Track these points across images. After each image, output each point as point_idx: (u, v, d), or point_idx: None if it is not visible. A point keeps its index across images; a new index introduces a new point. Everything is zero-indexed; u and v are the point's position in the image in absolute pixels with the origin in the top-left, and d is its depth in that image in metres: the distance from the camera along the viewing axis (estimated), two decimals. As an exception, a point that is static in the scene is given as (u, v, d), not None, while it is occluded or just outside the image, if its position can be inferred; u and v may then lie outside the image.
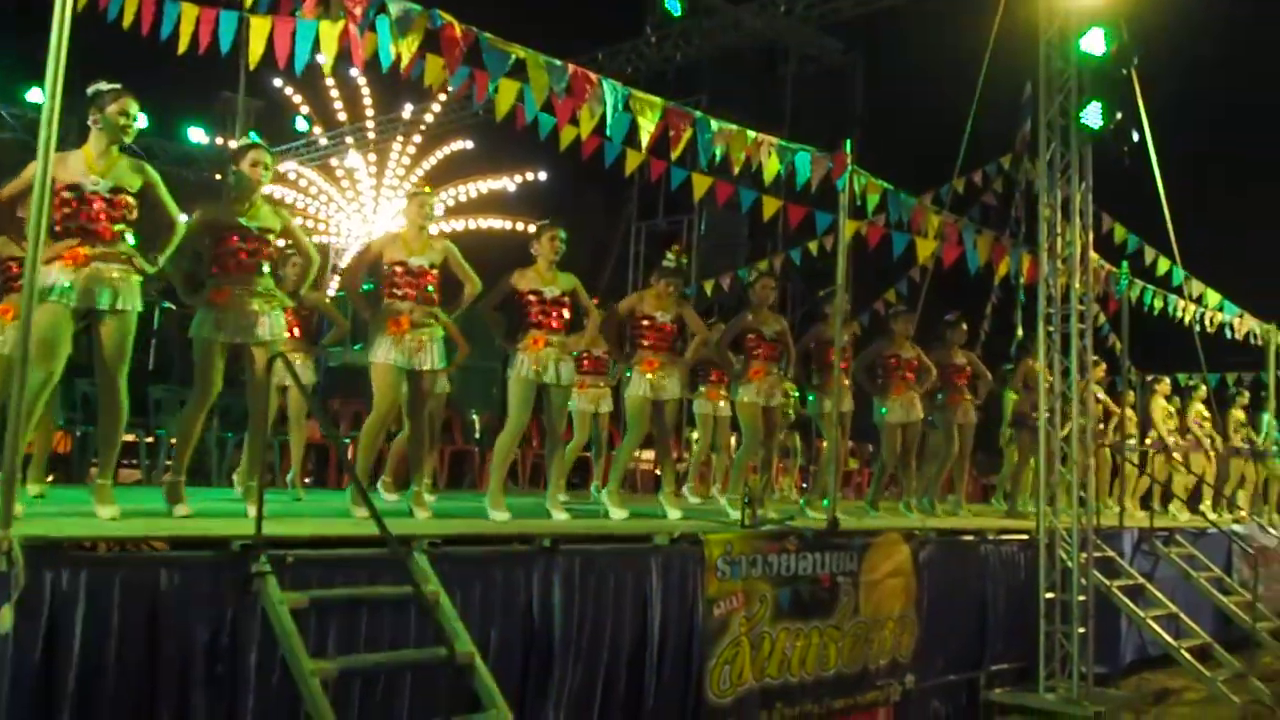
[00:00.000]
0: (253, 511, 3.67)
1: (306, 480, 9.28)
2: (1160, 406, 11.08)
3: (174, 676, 3.49)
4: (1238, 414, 11.95)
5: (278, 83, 17.02)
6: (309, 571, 3.82)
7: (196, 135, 17.32)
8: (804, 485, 11.37)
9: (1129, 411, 11.08)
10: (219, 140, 17.22)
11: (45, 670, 3.28)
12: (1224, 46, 14.99)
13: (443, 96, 16.08)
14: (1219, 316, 10.77)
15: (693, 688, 4.99)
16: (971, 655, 6.93)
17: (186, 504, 4.58)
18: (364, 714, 3.82)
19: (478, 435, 10.23)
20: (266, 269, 4.95)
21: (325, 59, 4.75)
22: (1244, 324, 11.06)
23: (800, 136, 14.56)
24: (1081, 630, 6.81)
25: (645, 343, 6.50)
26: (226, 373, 4.85)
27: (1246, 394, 12.18)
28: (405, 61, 4.55)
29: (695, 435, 9.47)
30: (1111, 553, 7.73)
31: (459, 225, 18.65)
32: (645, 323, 6.52)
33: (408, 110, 17.92)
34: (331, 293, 11.55)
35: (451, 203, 18.82)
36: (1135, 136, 7.54)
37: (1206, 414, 11.61)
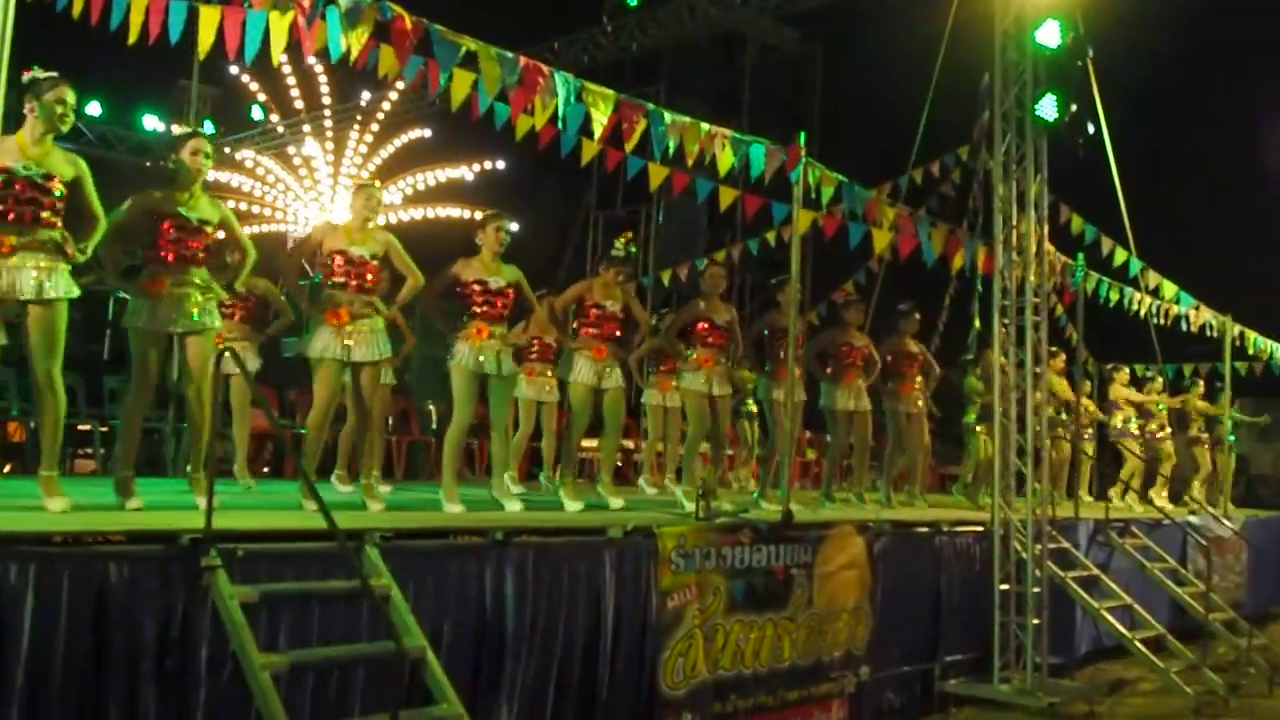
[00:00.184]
0: (201, 503, 3.60)
1: (265, 470, 9.22)
2: (1120, 394, 11.23)
3: (124, 671, 3.45)
4: (1197, 403, 12.15)
5: (235, 70, 16.77)
6: (259, 565, 3.77)
7: (151, 123, 17.02)
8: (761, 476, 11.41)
9: (1086, 402, 11.23)
10: (174, 128, 16.95)
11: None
12: (1180, 40, 15.20)
13: (400, 85, 15.93)
14: (1175, 309, 10.90)
15: (646, 680, 4.98)
16: (926, 646, 6.97)
17: (137, 497, 4.54)
18: (316, 708, 3.77)
19: (434, 426, 10.15)
20: (202, 259, 4.88)
21: (275, 51, 4.65)
22: (1200, 315, 11.21)
23: (759, 126, 14.58)
24: (1036, 621, 6.88)
25: (592, 330, 6.48)
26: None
27: (1202, 384, 12.37)
28: (355, 53, 4.48)
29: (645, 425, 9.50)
30: (1066, 544, 7.80)
31: (417, 214, 18.52)
32: (594, 311, 6.50)
33: (365, 98, 17.73)
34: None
35: (410, 191, 18.68)
36: (1091, 129, 7.61)
37: (1164, 405, 11.81)
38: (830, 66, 17.69)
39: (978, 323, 12.99)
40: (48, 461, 4.27)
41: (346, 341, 5.31)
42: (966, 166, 11.65)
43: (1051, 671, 7.24)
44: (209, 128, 16.91)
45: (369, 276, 5.47)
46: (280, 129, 18.13)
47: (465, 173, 18.47)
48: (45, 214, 4.28)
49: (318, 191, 18.95)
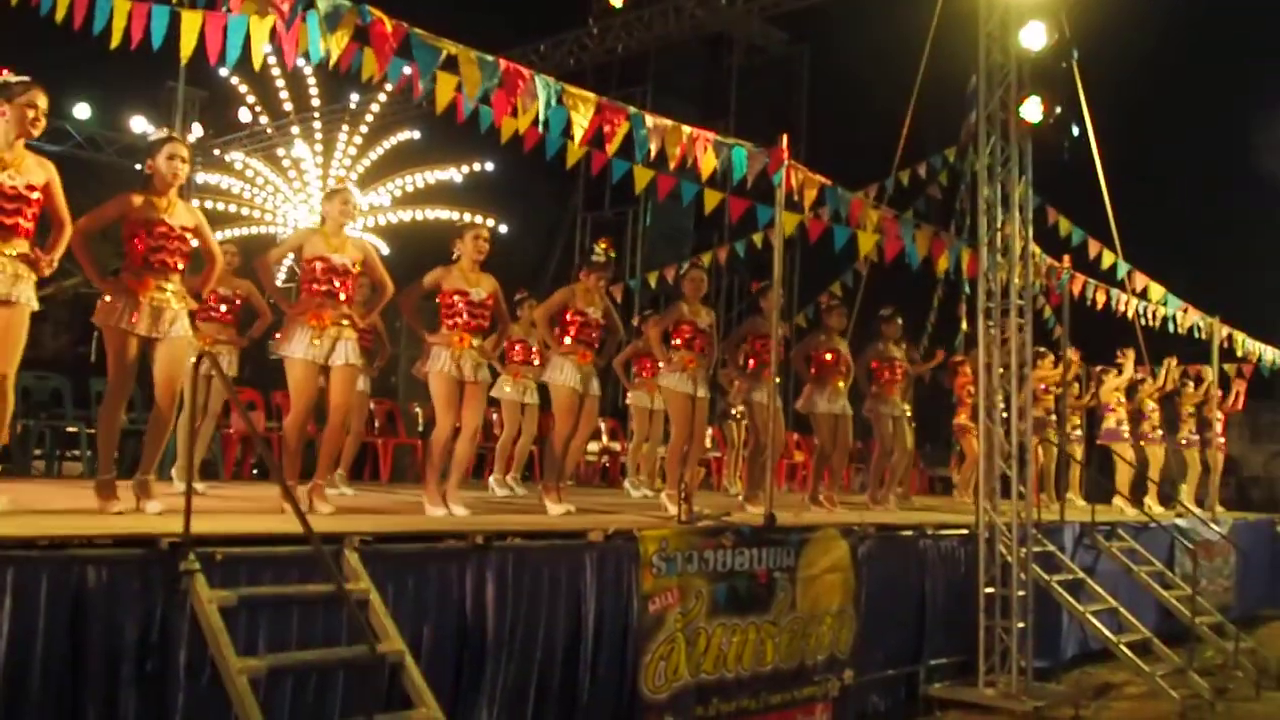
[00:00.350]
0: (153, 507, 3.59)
1: (254, 472, 9.22)
2: (1111, 396, 11.24)
3: (102, 675, 3.44)
4: (1186, 405, 12.17)
5: (224, 73, 16.72)
6: (239, 569, 3.76)
7: (140, 125, 16.97)
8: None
9: (1074, 404, 11.25)
10: (164, 131, 16.91)
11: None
12: (1167, 41, 15.25)
13: (389, 86, 15.91)
14: (1162, 310, 10.93)
15: (628, 684, 4.97)
16: (911, 650, 6.97)
17: (119, 500, 4.53)
18: (295, 712, 3.77)
19: (420, 428, 10.14)
20: (181, 266, 4.90)
21: (256, 55, 4.64)
22: (1188, 317, 11.24)
23: (747, 127, 14.58)
24: (1021, 625, 6.87)
25: (577, 337, 6.49)
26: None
27: (1193, 385, 12.40)
28: (335, 57, 4.47)
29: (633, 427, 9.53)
30: (1052, 547, 7.80)
31: (405, 215, 18.49)
32: (578, 318, 6.51)
33: (354, 100, 17.70)
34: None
35: (398, 193, 18.64)
36: (1076, 131, 7.62)
37: (1154, 406, 11.82)
38: (818, 67, 17.74)
39: (965, 324, 13.06)
40: None
41: (324, 346, 5.30)
42: (954, 168, 11.72)
43: (1038, 675, 7.24)
44: (197, 130, 16.89)
45: (349, 285, 5.47)
46: (269, 131, 18.08)
47: (454, 174, 18.43)
48: (24, 223, 4.27)
49: (307, 194, 18.90)
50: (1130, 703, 7.37)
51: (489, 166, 18.04)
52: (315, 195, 18.86)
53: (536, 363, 8.28)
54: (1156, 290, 10.75)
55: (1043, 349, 10.00)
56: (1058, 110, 7.15)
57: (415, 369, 6.38)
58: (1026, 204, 7.51)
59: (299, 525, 3.70)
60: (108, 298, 4.72)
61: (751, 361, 7.71)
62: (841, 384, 8.18)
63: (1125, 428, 11.31)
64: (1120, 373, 11.22)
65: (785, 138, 6.20)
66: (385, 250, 18.90)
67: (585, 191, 17.27)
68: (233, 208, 18.12)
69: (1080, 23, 7.42)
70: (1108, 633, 7.35)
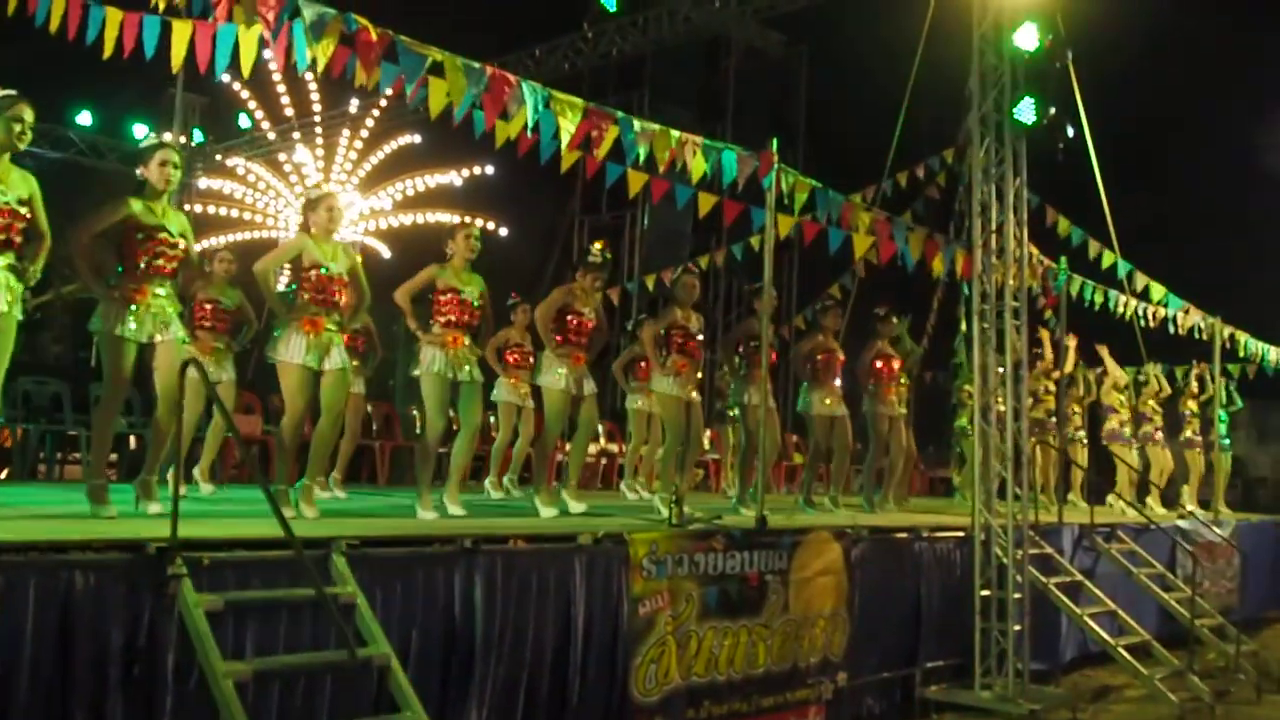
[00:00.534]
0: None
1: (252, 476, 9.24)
2: (1113, 398, 11.21)
3: (89, 679, 3.45)
4: (1190, 405, 12.13)
5: (227, 79, 16.79)
6: (226, 573, 3.78)
7: (141, 132, 17.03)
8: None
9: (1075, 405, 11.24)
10: (167, 136, 16.98)
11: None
12: (1166, 39, 15.21)
13: (389, 91, 15.94)
14: (1162, 311, 10.90)
15: (618, 687, 4.98)
16: (906, 652, 6.95)
17: (111, 505, 4.57)
18: (284, 716, 3.77)
19: (418, 431, 10.14)
20: (175, 272, 4.95)
21: (245, 63, 4.68)
22: (1189, 318, 11.20)
23: (744, 130, 14.55)
24: (1017, 628, 6.85)
25: (573, 339, 6.51)
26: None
27: (1196, 386, 12.37)
28: (322, 65, 4.50)
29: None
30: (1050, 549, 7.79)
31: (406, 219, 18.56)
32: (574, 319, 6.53)
33: (354, 105, 17.76)
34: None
35: (399, 197, 18.72)
36: (1071, 132, 7.61)
37: (1158, 407, 11.79)
38: (816, 69, 17.71)
39: (964, 325, 13.04)
40: None
41: (318, 351, 5.33)
42: (952, 169, 11.71)
43: (1036, 677, 7.22)
44: (198, 136, 16.96)
45: (344, 292, 5.51)
46: (270, 136, 18.14)
47: (454, 178, 18.50)
48: (14, 237, 4.33)
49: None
50: (1129, 706, 7.34)
51: (489, 170, 18.10)
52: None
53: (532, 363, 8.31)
54: (1157, 290, 10.74)
55: (1039, 350, 9.98)
56: (1052, 111, 7.14)
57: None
58: (1021, 205, 7.50)
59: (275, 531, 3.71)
60: (105, 304, 4.75)
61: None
62: (839, 385, 8.21)
63: (1127, 429, 11.28)
64: (1106, 370, 11.19)
65: (775, 141, 6.21)
66: (387, 254, 18.98)
67: (583, 195, 17.28)
68: (235, 212, 18.18)
69: (1074, 23, 7.41)
70: (1105, 635, 7.32)
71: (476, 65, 4.84)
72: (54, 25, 4.90)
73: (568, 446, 7.04)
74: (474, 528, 4.96)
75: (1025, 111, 7.11)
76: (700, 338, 7.08)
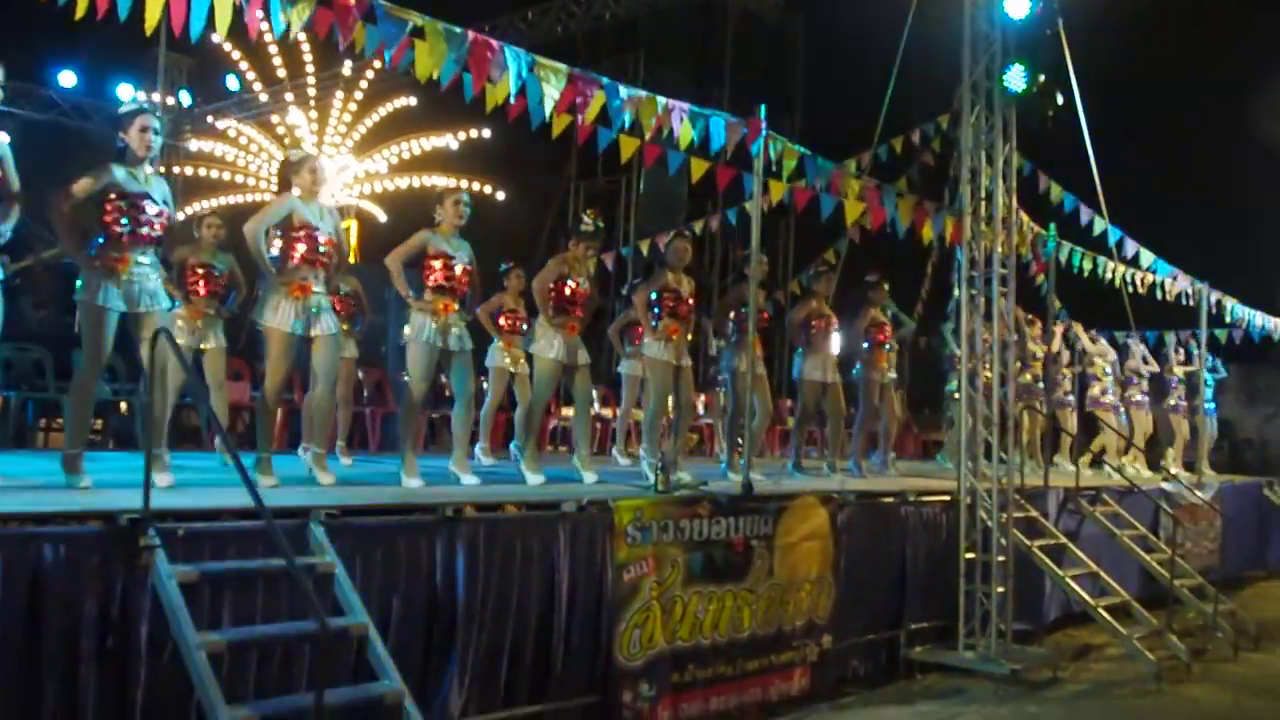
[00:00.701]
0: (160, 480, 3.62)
1: (239, 443, 9.27)
2: (1098, 363, 11.26)
3: (62, 651, 3.47)
4: (1175, 371, 12.20)
5: (215, 39, 16.59)
6: (202, 544, 3.80)
7: (127, 93, 16.83)
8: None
9: (1065, 370, 11.28)
10: (154, 98, 16.79)
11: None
12: (1154, 8, 15.06)
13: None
14: (1150, 277, 10.90)
15: (602, 653, 5.03)
16: (891, 615, 7.04)
17: (86, 475, 4.57)
18: (261, 686, 3.81)
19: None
20: (159, 238, 4.90)
21: (221, 26, 4.60)
22: (1176, 284, 11.21)
23: (741, 95, 14.40)
24: (1000, 589, 6.94)
25: (567, 308, 6.51)
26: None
27: (1183, 352, 12.40)
28: (295, 29, 4.45)
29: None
30: (1035, 512, 7.85)
31: (402, 183, 18.42)
32: (567, 288, 6.52)
33: (348, 67, 17.56)
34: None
35: (395, 160, 18.56)
36: (1060, 99, 7.57)
37: (1143, 372, 11.84)
38: (813, 35, 17.54)
39: (958, 291, 13.02)
40: None
41: (306, 316, 5.32)
42: (946, 135, 11.64)
43: (1020, 637, 7.33)
44: (186, 98, 16.75)
45: (331, 254, 5.48)
46: (263, 97, 17.96)
47: (450, 141, 18.31)
48: None
49: (303, 160, 18.83)
50: (1109, 664, 7.44)
51: (485, 134, 17.93)
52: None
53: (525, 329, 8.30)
54: (1147, 257, 10.72)
55: (1031, 316, 10.00)
56: (1041, 78, 7.10)
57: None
58: (1010, 172, 7.48)
59: (266, 498, 3.73)
60: (87, 273, 4.72)
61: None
62: (833, 350, 8.24)
63: (1110, 395, 11.33)
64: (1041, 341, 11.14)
65: (763, 108, 6.17)
66: (383, 217, 18.88)
67: (579, 160, 17.16)
68: (226, 175, 18.04)
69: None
70: (1087, 596, 7.40)
71: (458, 30, 4.78)
72: (26, -17, 4.82)
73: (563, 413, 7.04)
74: (456, 495, 4.99)
75: (1015, 78, 7.08)
76: (691, 302, 7.08)
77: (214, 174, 17.82)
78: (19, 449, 8.09)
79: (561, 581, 4.88)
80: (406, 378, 6.00)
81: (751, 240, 6.30)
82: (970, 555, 7.00)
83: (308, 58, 17.70)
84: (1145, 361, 11.85)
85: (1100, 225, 10.06)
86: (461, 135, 18.14)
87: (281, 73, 17.71)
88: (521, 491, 5.57)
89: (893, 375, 8.94)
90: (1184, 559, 8.78)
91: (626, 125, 5.61)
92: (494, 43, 4.91)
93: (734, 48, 16.71)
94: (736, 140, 6.07)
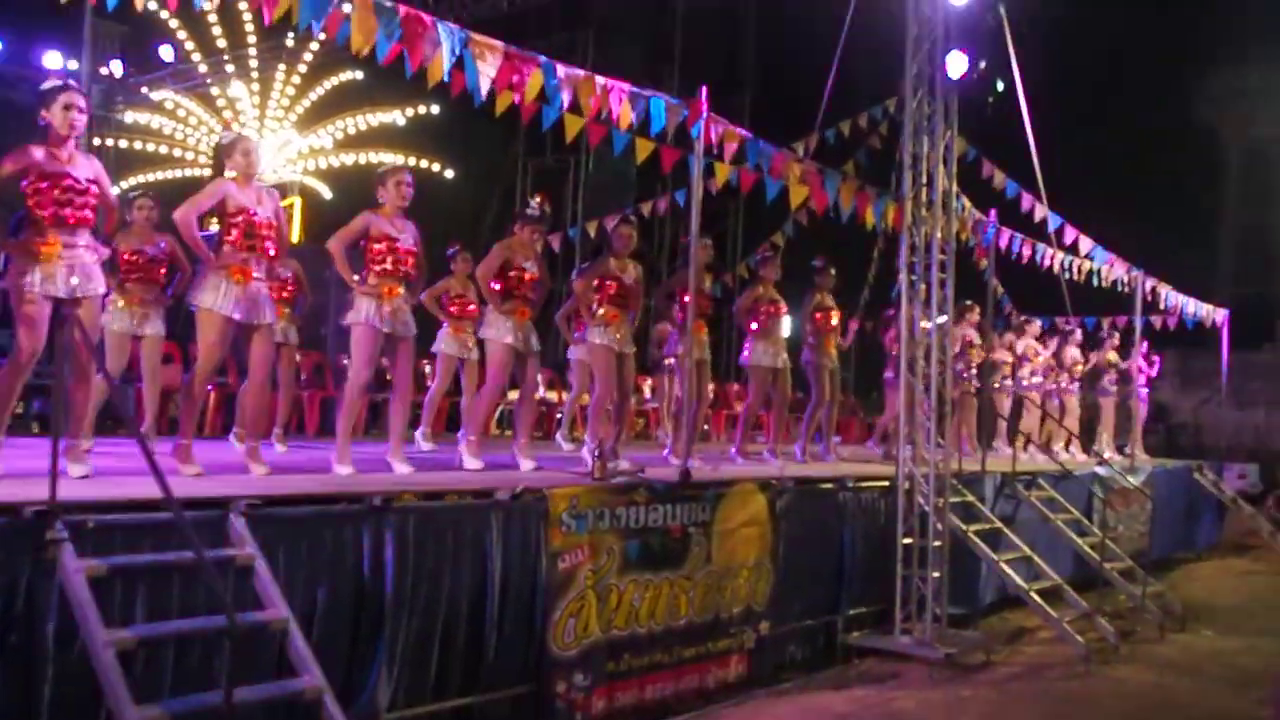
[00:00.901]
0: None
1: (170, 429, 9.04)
2: (1030, 347, 11.41)
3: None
4: (1109, 356, 12.40)
5: (153, 5, 16.10)
6: (113, 537, 3.67)
7: (55, 61, 16.23)
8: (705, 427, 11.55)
9: (1004, 354, 11.40)
10: (57, 79, 16.22)
11: None
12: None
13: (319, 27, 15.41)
14: (1088, 264, 11.04)
15: (536, 641, 4.98)
16: (830, 600, 7.07)
17: None
18: (179, 683, 3.69)
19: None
20: (90, 220, 4.71)
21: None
22: (1112, 271, 11.38)
23: (692, 75, 14.27)
24: (936, 574, 7.00)
25: (515, 293, 6.41)
26: None
27: (1118, 336, 12.60)
28: (216, -2, 4.29)
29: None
30: (971, 497, 7.94)
31: (349, 159, 18.12)
32: (514, 273, 6.42)
33: (291, 38, 17.19)
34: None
35: (340, 135, 18.24)
36: (1001, 86, 7.61)
37: (1080, 357, 12.02)
38: (765, 14, 17.47)
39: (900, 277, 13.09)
40: None
41: (246, 302, 5.18)
42: (894, 119, 11.65)
43: (956, 621, 7.41)
44: (117, 68, 16.21)
45: (272, 239, 5.34)
46: (202, 68, 17.51)
47: (398, 117, 18.06)
48: None
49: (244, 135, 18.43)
50: (1040, 647, 7.56)
51: (434, 110, 17.67)
52: (253, 137, 18.38)
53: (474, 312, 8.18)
54: (1086, 244, 10.86)
55: (970, 302, 10.09)
56: (982, 65, 7.12)
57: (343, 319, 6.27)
58: (951, 158, 7.50)
59: (180, 489, 3.62)
60: (16, 258, 4.53)
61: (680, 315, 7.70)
62: (781, 335, 8.24)
63: (1039, 378, 11.51)
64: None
65: (704, 90, 6.10)
66: (328, 194, 18.56)
67: (527, 138, 16.97)
68: (163, 149, 17.60)
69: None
70: (1020, 580, 7.49)
71: (388, 4, 4.65)
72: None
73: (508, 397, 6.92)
74: (386, 484, 4.89)
75: (956, 65, 7.08)
76: (635, 287, 7.01)
77: (150, 147, 17.34)
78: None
79: (494, 571, 4.81)
80: (346, 361, 5.87)
81: (692, 224, 6.23)
82: (908, 540, 7.05)
83: (249, 28, 17.30)
84: (1080, 348, 12.04)
85: (1040, 212, 10.17)
86: (410, 111, 17.89)
87: (222, 43, 17.29)
88: (454, 479, 5.48)
89: (837, 360, 8.98)
90: (1115, 542, 8.95)
91: (565, 105, 5.51)
92: (426, 17, 4.78)
93: (685, 27, 16.60)
94: (677, 122, 6.01)
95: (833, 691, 6.30)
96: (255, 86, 18.11)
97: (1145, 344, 12.60)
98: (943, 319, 7.41)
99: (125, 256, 6.48)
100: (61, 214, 4.59)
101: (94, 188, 4.72)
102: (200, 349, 5.19)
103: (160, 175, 17.09)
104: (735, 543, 6.12)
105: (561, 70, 5.33)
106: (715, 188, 8.08)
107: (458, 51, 4.86)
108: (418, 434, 8.42)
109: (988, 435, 10.60)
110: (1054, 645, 7.36)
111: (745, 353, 8.32)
